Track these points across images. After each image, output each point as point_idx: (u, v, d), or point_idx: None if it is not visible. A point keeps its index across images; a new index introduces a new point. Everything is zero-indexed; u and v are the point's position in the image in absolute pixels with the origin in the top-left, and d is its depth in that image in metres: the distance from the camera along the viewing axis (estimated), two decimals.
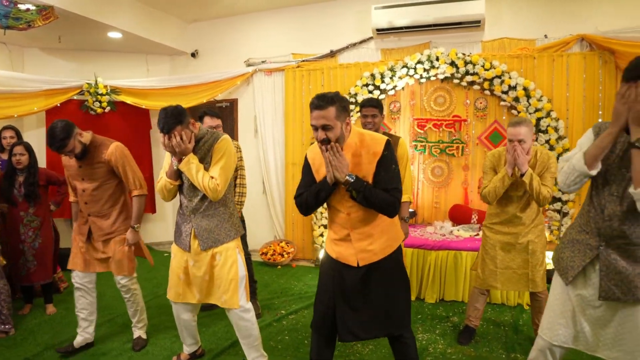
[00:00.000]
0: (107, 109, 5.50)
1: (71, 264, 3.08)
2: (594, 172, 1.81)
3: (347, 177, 1.99)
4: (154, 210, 6.06)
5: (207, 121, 3.63)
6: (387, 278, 2.16)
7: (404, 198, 2.90)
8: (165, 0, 5.27)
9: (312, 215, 5.37)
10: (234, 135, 5.92)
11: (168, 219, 6.36)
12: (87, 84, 5.40)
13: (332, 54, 5.44)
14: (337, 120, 2.01)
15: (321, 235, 5.33)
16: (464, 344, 3.21)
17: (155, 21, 5.48)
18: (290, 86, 5.51)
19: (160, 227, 6.34)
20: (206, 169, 2.47)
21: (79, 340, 3.13)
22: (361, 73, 5.17)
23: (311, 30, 5.55)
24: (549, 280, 3.82)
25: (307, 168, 2.25)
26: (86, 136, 2.90)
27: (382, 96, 5.10)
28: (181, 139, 2.36)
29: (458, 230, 4.39)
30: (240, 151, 3.65)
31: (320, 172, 2.16)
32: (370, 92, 5.04)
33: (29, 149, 3.67)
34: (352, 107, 5.08)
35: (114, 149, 2.91)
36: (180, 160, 2.44)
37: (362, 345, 3.14)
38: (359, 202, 2.04)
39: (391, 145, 2.13)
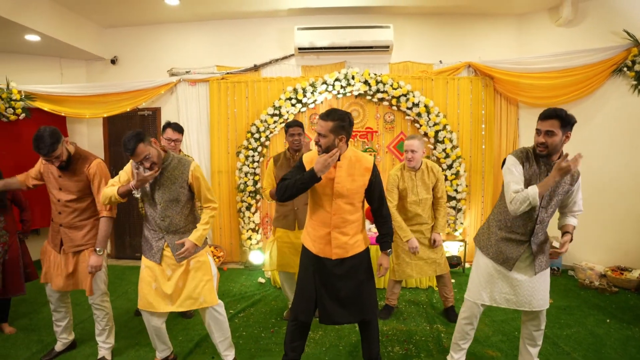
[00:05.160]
0: (22, 115, 5.22)
1: (44, 278, 3.05)
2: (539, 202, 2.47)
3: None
4: None
5: (169, 134, 3.82)
6: (356, 271, 2.64)
7: None
8: (82, 4, 5.19)
9: (240, 220, 5.69)
10: None
11: None
12: None
13: (256, 68, 5.81)
14: (330, 133, 2.45)
15: (249, 238, 5.67)
16: (384, 319, 3.88)
17: (72, 24, 5.36)
18: (215, 97, 5.75)
19: None
20: (177, 191, 2.73)
21: (59, 346, 3.22)
22: (283, 87, 5.63)
23: (235, 45, 5.86)
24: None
25: (301, 168, 2.60)
26: (71, 147, 2.94)
27: (304, 109, 5.62)
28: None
29: (375, 228, 5.04)
30: None
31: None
32: (293, 105, 5.52)
33: None
34: (276, 121, 5.52)
35: (95, 164, 2.94)
36: (138, 187, 2.66)
37: (312, 332, 3.59)
38: None
39: (376, 166, 2.64)
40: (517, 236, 2.62)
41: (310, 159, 2.60)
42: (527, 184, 2.50)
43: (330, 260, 2.60)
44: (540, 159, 2.53)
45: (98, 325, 3.12)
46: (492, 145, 5.64)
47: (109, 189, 2.74)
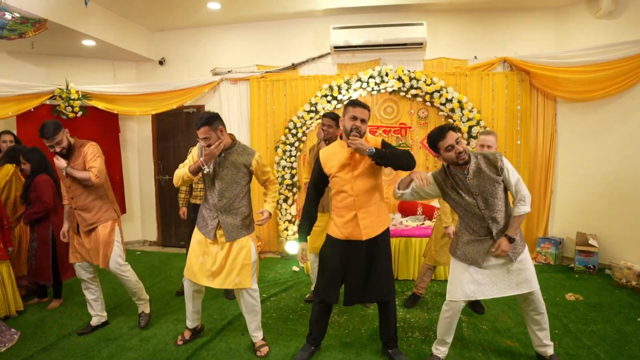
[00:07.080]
0: (79, 113, 5.73)
1: (72, 258, 3.51)
2: None
3: (368, 150, 2.63)
4: (124, 211, 6.33)
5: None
6: (382, 250, 2.87)
7: None
8: (133, 10, 5.59)
9: (277, 211, 5.96)
10: None
11: (137, 219, 6.73)
12: (59, 89, 5.60)
13: (294, 67, 6.05)
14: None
15: (286, 229, 5.93)
16: (409, 307, 4.02)
17: (124, 29, 5.80)
18: (255, 94, 6.04)
19: (129, 227, 6.51)
20: (238, 174, 3.03)
21: (94, 321, 3.60)
22: (320, 85, 5.82)
23: (274, 44, 6.13)
24: None
25: (318, 165, 2.91)
26: (72, 139, 3.42)
27: (339, 106, 5.79)
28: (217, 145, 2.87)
29: (407, 221, 5.17)
30: None
31: (329, 166, 2.85)
32: (328, 102, 5.71)
33: (28, 159, 4.02)
34: (312, 115, 5.74)
35: (89, 145, 3.40)
36: (207, 161, 2.90)
37: (338, 316, 3.82)
38: (386, 163, 2.66)
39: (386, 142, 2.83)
40: (479, 236, 2.81)
41: (326, 154, 2.91)
42: (456, 199, 2.81)
43: (359, 242, 2.80)
44: (455, 169, 2.78)
45: (128, 290, 3.58)
46: (527, 140, 5.60)
47: (181, 170, 3.02)
